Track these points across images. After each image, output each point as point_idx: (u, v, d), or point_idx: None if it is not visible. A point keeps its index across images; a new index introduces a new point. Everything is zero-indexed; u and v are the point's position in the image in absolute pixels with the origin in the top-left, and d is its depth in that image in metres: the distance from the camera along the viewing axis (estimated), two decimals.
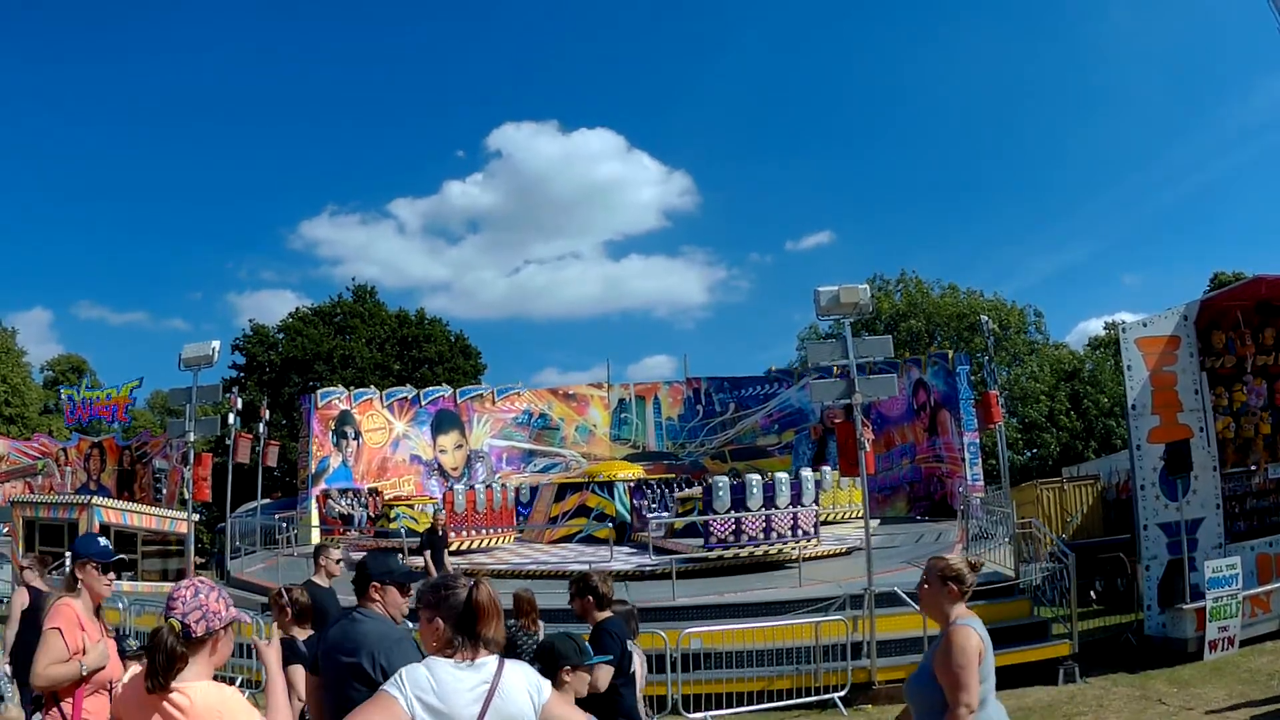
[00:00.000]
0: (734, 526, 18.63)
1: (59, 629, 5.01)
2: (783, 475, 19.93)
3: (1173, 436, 14.91)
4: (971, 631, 4.29)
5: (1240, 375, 16.17)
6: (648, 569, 18.63)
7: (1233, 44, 78.32)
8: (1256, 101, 75.83)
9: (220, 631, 3.54)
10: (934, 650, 4.40)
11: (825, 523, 23.05)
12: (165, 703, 3.37)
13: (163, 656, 3.37)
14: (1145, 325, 15.80)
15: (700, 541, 18.93)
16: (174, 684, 3.37)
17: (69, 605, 5.16)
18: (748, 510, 18.80)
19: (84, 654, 5.05)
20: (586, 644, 4.96)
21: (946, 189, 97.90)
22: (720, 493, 18.96)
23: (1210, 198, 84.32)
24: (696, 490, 21.97)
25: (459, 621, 3.33)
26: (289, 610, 6.78)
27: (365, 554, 6.47)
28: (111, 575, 5.48)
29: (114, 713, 3.63)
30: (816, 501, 21.07)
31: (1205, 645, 13.45)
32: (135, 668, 3.58)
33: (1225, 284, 35.89)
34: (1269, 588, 14.46)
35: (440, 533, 17.19)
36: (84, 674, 5.02)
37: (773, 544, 18.69)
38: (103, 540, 5.63)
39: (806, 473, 20.78)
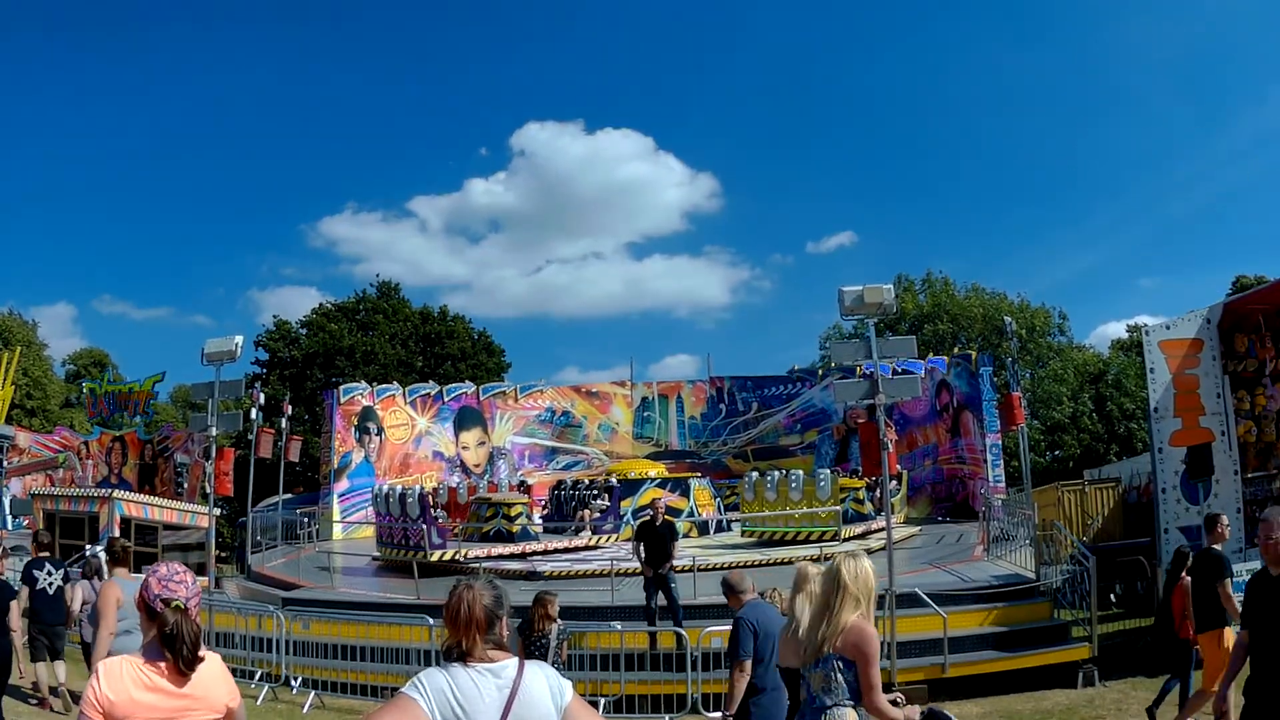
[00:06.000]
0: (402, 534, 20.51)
1: None
2: (415, 488, 21.72)
3: (1194, 440, 14.89)
4: None
5: (1260, 379, 16.09)
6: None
7: (1249, 48, 77.52)
8: (1273, 105, 75.30)
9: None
10: None
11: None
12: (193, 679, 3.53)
13: (192, 639, 3.52)
14: (1168, 328, 15.75)
15: None
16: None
17: None
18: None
19: None
20: None
21: (965, 191, 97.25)
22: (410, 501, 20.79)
23: (1229, 202, 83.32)
24: None
25: (447, 623, 3.32)
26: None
27: None
28: None
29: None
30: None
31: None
32: (113, 661, 3.52)
33: (1247, 287, 35.54)
34: None
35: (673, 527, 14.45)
36: None
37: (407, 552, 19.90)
38: None
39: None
